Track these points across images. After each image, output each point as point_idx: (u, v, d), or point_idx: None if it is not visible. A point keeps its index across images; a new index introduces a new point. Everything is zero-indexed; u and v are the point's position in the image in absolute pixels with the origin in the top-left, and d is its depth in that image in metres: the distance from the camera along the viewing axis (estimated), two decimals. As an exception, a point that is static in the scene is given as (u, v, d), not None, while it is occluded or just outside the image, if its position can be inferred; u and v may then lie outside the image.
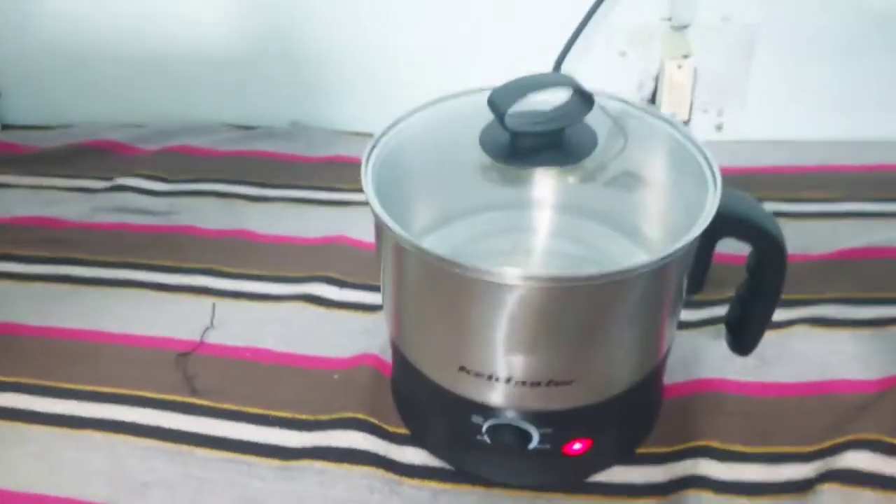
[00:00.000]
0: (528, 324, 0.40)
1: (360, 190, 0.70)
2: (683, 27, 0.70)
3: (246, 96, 0.82)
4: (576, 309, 0.40)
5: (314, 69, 0.79)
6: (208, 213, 0.70)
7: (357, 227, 0.67)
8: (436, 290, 0.42)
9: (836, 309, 0.58)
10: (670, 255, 0.38)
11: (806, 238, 0.63)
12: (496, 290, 0.39)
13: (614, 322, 0.41)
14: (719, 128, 0.76)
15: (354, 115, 0.80)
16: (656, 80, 0.74)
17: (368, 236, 0.65)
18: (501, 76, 0.43)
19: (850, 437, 0.48)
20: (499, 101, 0.41)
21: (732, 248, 0.46)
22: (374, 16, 0.74)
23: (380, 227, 0.42)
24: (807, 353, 0.55)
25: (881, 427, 0.49)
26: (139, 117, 0.83)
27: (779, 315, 0.56)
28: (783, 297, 0.47)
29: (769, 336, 0.51)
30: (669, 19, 0.70)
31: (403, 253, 0.42)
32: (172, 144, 0.79)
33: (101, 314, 0.60)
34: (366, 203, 0.69)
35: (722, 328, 0.53)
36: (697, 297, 0.58)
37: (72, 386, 0.55)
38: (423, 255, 0.39)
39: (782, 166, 0.72)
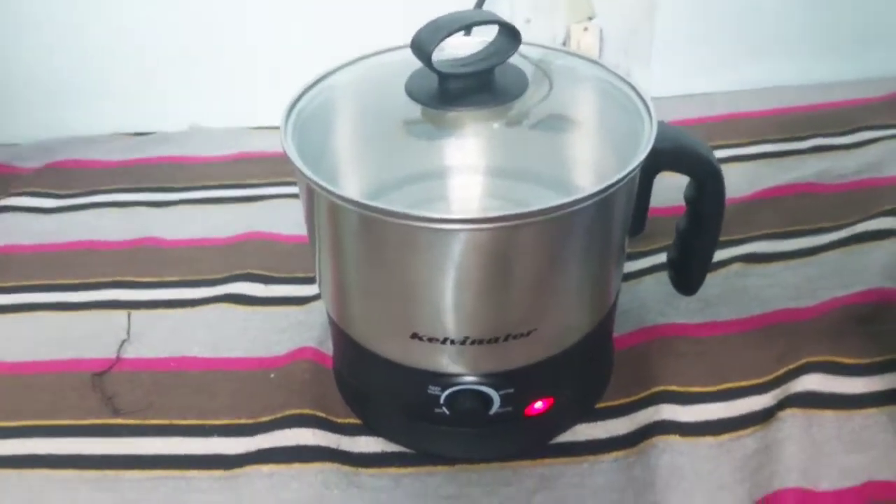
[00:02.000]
0: (479, 272, 0.38)
1: (272, 183, 0.68)
2: (585, -13, 0.70)
3: (136, 103, 0.76)
4: (525, 250, 0.38)
5: (206, 68, 0.74)
6: (108, 225, 0.65)
7: (271, 220, 0.64)
8: (378, 249, 0.39)
9: (766, 244, 0.59)
10: (615, 184, 0.37)
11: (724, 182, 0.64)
12: (443, 237, 0.36)
13: (566, 261, 0.39)
14: (627, 88, 0.76)
15: (256, 110, 0.75)
16: (564, 45, 0.73)
17: (285, 229, 0.63)
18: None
19: (803, 361, 0.49)
20: (424, 40, 0.38)
21: (668, 197, 0.46)
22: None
23: (309, 191, 0.39)
24: (746, 288, 0.55)
25: (828, 348, 0.49)
26: (13, 136, 0.76)
27: (714, 257, 0.57)
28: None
29: (708, 278, 0.51)
30: (570, -19, 0.70)
31: (339, 213, 0.38)
32: (58, 159, 0.73)
33: (-5, 345, 0.54)
34: (278, 196, 0.67)
35: (663, 277, 0.53)
36: (636, 249, 0.59)
37: (-31, 424, 0.49)
38: (364, 210, 0.36)
39: (691, 118, 0.73)
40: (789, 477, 0.43)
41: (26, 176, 0.71)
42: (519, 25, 0.72)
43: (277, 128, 0.40)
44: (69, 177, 0.70)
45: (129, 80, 0.75)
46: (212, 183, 0.69)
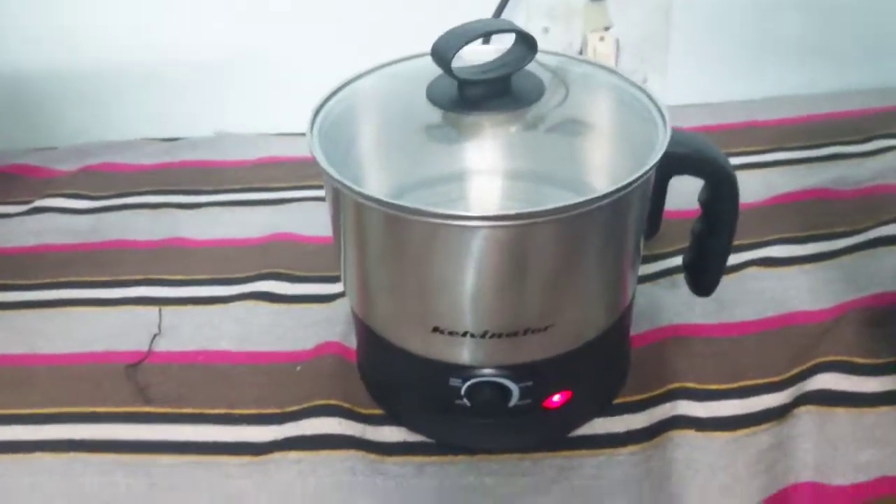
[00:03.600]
0: (499, 268, 0.39)
1: (296, 187, 0.70)
2: (602, -2, 0.72)
3: (165, 110, 0.79)
4: (542, 247, 0.39)
5: (231, 76, 0.77)
6: (138, 226, 0.67)
7: (297, 222, 0.66)
8: (401, 246, 0.40)
9: (782, 249, 0.60)
10: (630, 184, 0.38)
11: (741, 188, 0.65)
12: (464, 234, 0.38)
13: (583, 259, 0.41)
14: (645, 97, 0.77)
15: (280, 116, 0.78)
16: (581, 53, 0.75)
17: (311, 230, 0.65)
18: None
19: (817, 360, 0.49)
20: (444, 48, 0.40)
21: (682, 201, 0.47)
22: (289, 7, 0.73)
23: (336, 192, 0.41)
24: (762, 291, 0.56)
25: (843, 348, 0.50)
26: (51, 140, 0.79)
27: (729, 260, 0.58)
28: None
29: (723, 280, 0.52)
30: (588, -8, 0.72)
31: (364, 213, 0.40)
32: (92, 163, 0.75)
33: (32, 337, 0.56)
34: (303, 199, 0.69)
35: (679, 279, 0.54)
36: (650, 252, 0.60)
37: (12, 411, 0.51)
38: (387, 208, 0.38)
39: (707, 125, 0.74)
40: (804, 472, 0.43)
41: (62, 178, 0.73)
42: (537, 34, 0.74)
43: (300, 134, 0.41)
44: (103, 179, 0.73)
45: (158, 89, 0.77)
46: (238, 186, 0.71)
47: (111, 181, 0.73)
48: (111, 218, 0.68)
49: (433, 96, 0.43)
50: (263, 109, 0.78)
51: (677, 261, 0.55)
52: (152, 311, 0.58)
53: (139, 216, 0.68)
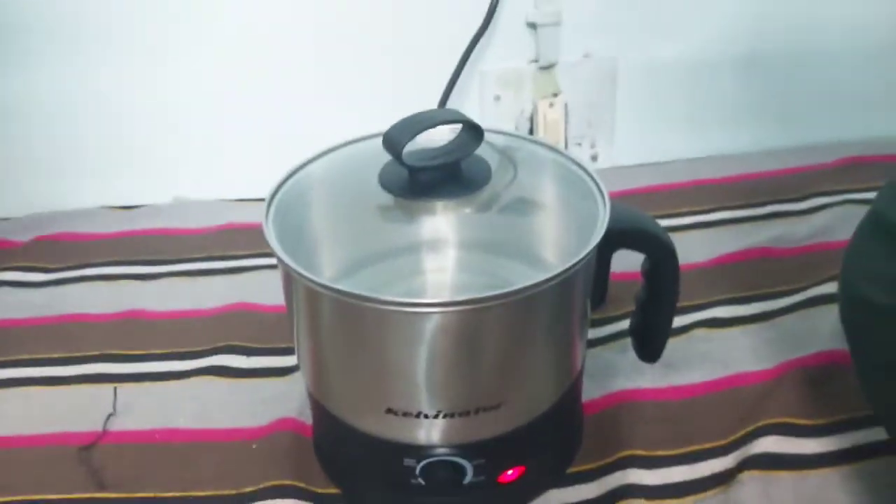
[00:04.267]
0: (450, 350, 0.41)
1: (256, 255, 0.71)
2: (550, 66, 0.75)
3: (122, 177, 0.79)
4: (491, 328, 0.41)
5: (189, 143, 0.78)
6: (97, 298, 0.67)
7: (256, 292, 0.66)
8: (354, 331, 0.41)
9: (726, 309, 0.62)
10: (574, 266, 0.40)
11: (685, 249, 0.66)
12: (415, 320, 0.39)
13: (532, 335, 0.42)
14: (594, 158, 0.80)
15: (240, 182, 0.79)
16: (531, 119, 0.77)
17: (269, 299, 0.65)
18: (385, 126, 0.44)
19: (760, 423, 0.51)
20: (394, 139, 0.42)
21: (631, 263, 0.49)
22: (247, 79, 0.75)
23: (288, 276, 0.42)
24: (708, 352, 0.58)
25: (784, 410, 0.52)
26: (3, 210, 0.78)
27: (676, 322, 0.59)
28: (678, 304, 0.49)
29: (671, 342, 0.54)
30: (536, 61, 0.75)
31: (316, 298, 0.41)
32: (47, 233, 0.75)
33: (-15, 420, 0.56)
34: (262, 267, 0.70)
35: (627, 343, 0.56)
36: (599, 316, 0.62)
37: (-41, 501, 0.50)
38: (339, 295, 0.39)
39: (654, 185, 0.77)
40: (748, 539, 0.45)
41: (16, 250, 0.73)
42: (488, 102, 0.77)
43: (261, 199, 0.43)
44: (58, 250, 0.72)
45: (113, 155, 0.78)
46: (197, 255, 0.71)
47: (67, 252, 0.72)
48: (68, 291, 0.68)
49: (385, 183, 0.45)
50: (222, 174, 0.79)
51: (627, 323, 0.57)
52: (108, 388, 0.57)
53: (97, 288, 0.68)
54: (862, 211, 0.46)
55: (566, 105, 0.76)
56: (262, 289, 0.67)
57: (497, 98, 0.76)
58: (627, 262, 0.56)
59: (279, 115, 0.76)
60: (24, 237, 0.74)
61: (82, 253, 0.72)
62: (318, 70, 0.75)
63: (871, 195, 0.46)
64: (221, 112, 0.76)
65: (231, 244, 0.72)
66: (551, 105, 0.76)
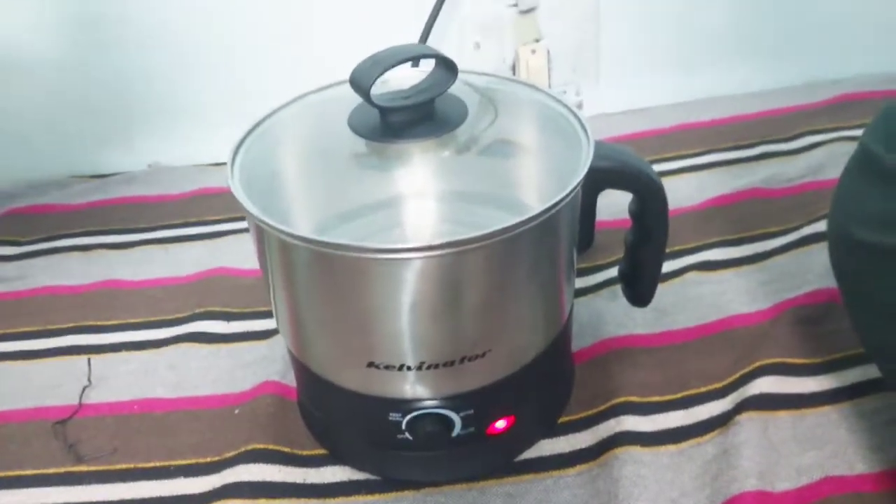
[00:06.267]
0: (431, 297, 0.39)
1: (233, 219, 0.69)
2: (531, 10, 0.72)
3: (96, 143, 0.76)
4: (474, 273, 0.39)
5: (164, 107, 0.75)
6: (70, 270, 0.65)
7: (234, 257, 0.64)
8: (330, 283, 0.39)
9: (718, 252, 0.60)
10: (557, 205, 0.38)
11: (676, 193, 0.66)
12: (393, 267, 0.37)
13: (516, 280, 0.40)
14: (579, 106, 0.78)
15: (215, 146, 0.76)
16: (513, 68, 0.75)
17: (247, 263, 0.63)
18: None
19: (757, 364, 0.50)
20: (362, 76, 0.39)
21: (618, 210, 0.47)
22: (215, 34, 0.72)
23: (259, 231, 0.40)
24: (700, 296, 0.57)
25: (781, 350, 0.51)
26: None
27: (668, 266, 0.58)
28: (668, 249, 0.48)
29: (663, 287, 0.52)
30: (516, 5, 0.72)
31: (289, 251, 0.39)
32: (19, 206, 0.73)
33: (-42, 397, 0.54)
34: (240, 231, 0.67)
35: (617, 290, 0.54)
36: (588, 264, 0.60)
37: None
38: (313, 246, 0.37)
39: (642, 131, 0.75)
40: (748, 481, 0.43)
41: (-15, 224, 0.71)
42: (468, 50, 0.74)
43: None
44: (30, 222, 0.70)
45: (83, 122, 0.75)
46: (173, 222, 0.69)
47: (39, 224, 0.70)
48: (40, 263, 0.66)
49: (355, 125, 0.42)
50: (199, 139, 0.76)
51: (615, 271, 0.55)
52: (84, 360, 0.56)
53: (70, 259, 0.66)
54: (854, 148, 0.44)
55: (548, 51, 0.74)
56: (240, 253, 0.65)
57: (477, 45, 0.73)
58: (615, 209, 0.55)
59: (252, 71, 0.73)
60: (-6, 211, 0.72)
61: (54, 224, 0.70)
62: (290, 18, 0.71)
63: (864, 132, 0.44)
64: (192, 73, 0.73)
65: (207, 209, 0.70)
66: (533, 52, 0.73)
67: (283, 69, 0.71)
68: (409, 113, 0.41)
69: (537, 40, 0.73)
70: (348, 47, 0.69)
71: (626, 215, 0.47)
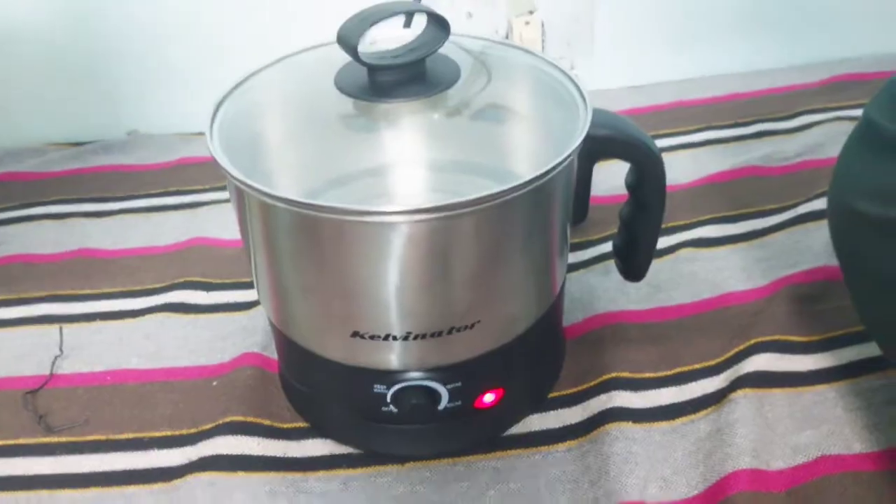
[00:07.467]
0: (419, 264, 0.37)
1: (214, 188, 0.66)
2: (524, -20, 0.70)
3: (74, 111, 0.74)
4: (463, 239, 0.37)
5: (145, 73, 0.73)
6: (43, 238, 0.62)
7: (214, 225, 0.62)
8: (315, 248, 0.37)
9: (714, 228, 0.59)
10: (552, 170, 0.36)
11: (672, 169, 0.63)
12: (380, 231, 0.35)
13: (507, 250, 0.39)
14: (573, 81, 0.76)
15: (197, 115, 0.73)
16: (506, 38, 0.73)
17: (228, 234, 0.61)
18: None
19: (752, 341, 0.49)
20: (349, 33, 0.37)
21: (612, 185, 0.45)
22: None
23: (240, 193, 0.38)
24: (695, 272, 0.55)
25: (777, 327, 0.49)
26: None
27: (662, 242, 0.57)
28: (664, 225, 0.46)
29: (657, 263, 0.51)
30: (509, -27, 0.70)
31: (271, 214, 0.37)
32: (-9, 173, 0.70)
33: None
34: (221, 201, 0.65)
35: (612, 265, 0.53)
36: (581, 238, 0.59)
37: None
38: (295, 207, 0.35)
39: (637, 107, 0.73)
40: (742, 459, 0.42)
41: (-43, 192, 0.68)
42: (461, 20, 0.72)
43: None
44: (3, 189, 0.68)
45: (60, 89, 0.73)
46: (152, 191, 0.67)
47: (12, 191, 0.68)
48: (12, 231, 0.64)
49: (342, 85, 0.40)
50: (181, 107, 0.74)
51: (609, 246, 0.53)
52: (56, 329, 0.53)
53: (43, 227, 0.64)
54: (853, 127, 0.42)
55: (543, 23, 0.72)
56: (221, 223, 0.63)
57: (469, 15, 0.71)
58: (609, 184, 0.53)
59: (237, 37, 0.70)
60: (-35, 177, 0.70)
61: (28, 192, 0.67)
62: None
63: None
64: (173, 38, 0.71)
65: (188, 179, 0.68)
66: (527, 23, 0.71)
67: (269, 34, 0.68)
68: (399, 72, 0.39)
69: (531, 12, 0.71)
70: (336, 12, 0.67)
71: (621, 191, 0.46)
